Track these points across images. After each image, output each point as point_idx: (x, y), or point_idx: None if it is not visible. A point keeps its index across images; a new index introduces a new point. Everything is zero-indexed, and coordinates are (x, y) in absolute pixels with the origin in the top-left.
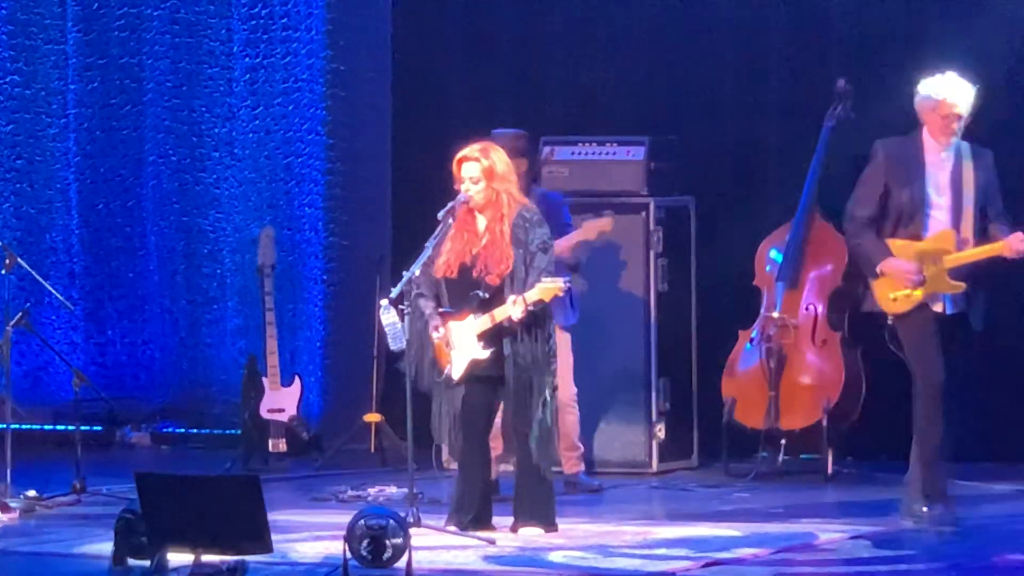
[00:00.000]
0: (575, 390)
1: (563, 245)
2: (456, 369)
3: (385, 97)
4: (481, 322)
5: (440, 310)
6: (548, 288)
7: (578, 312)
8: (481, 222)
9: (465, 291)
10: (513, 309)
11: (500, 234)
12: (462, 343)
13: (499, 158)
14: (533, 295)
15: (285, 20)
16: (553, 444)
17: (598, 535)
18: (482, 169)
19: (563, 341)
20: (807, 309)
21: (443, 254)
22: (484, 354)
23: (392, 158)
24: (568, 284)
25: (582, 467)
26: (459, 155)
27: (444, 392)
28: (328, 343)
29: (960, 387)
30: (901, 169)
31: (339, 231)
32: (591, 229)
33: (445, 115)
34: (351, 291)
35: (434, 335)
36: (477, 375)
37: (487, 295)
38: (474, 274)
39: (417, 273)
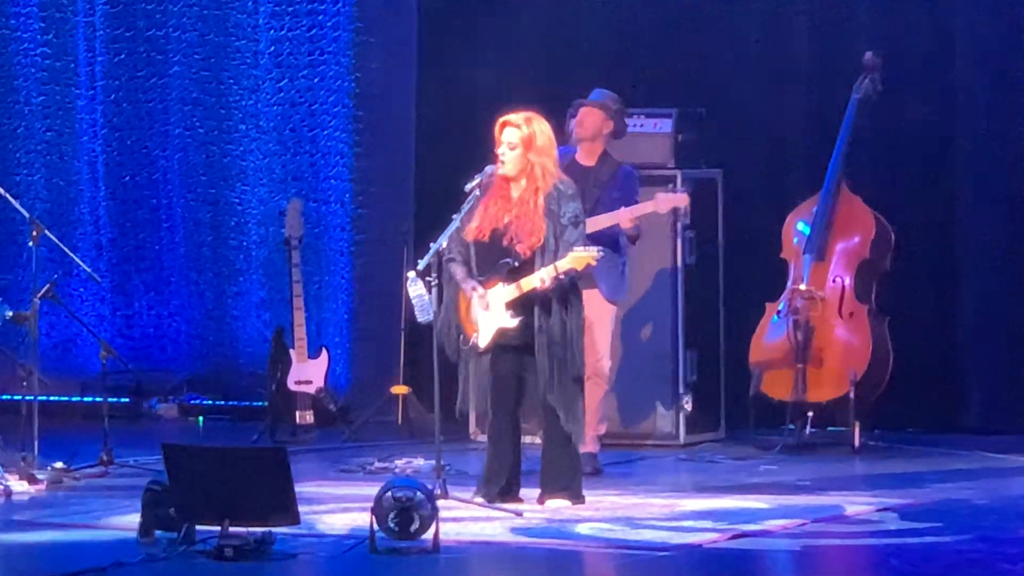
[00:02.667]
0: (609, 363)
1: (630, 215)
2: (483, 337)
3: (411, 69)
4: (509, 291)
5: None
6: (581, 257)
7: (627, 286)
8: (515, 191)
9: (495, 258)
10: (543, 277)
11: (534, 206)
12: (490, 311)
13: (540, 129)
14: (565, 263)
15: None
16: (580, 417)
17: (625, 507)
18: (521, 137)
19: (608, 312)
20: (834, 281)
21: (476, 218)
22: (512, 323)
23: (417, 131)
24: (601, 254)
25: (594, 448)
26: (503, 119)
27: (472, 361)
28: (355, 315)
29: (989, 358)
30: None
31: (366, 203)
32: (664, 202)
33: (472, 87)
34: (378, 263)
35: (473, 296)
36: (504, 344)
37: (516, 264)
38: (504, 242)
39: (444, 245)
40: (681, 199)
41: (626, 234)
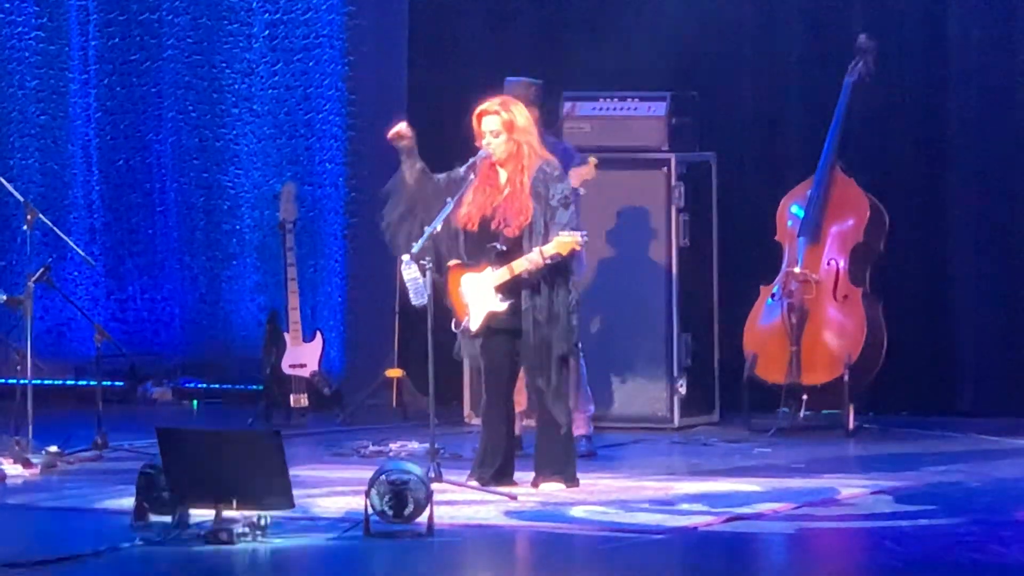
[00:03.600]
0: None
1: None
2: (474, 320)
3: (402, 52)
4: (499, 274)
5: (459, 263)
6: (565, 242)
7: (584, 266)
8: (503, 175)
9: (484, 243)
10: (530, 262)
11: (520, 186)
12: (480, 295)
13: (519, 111)
14: (550, 248)
15: None
16: (567, 400)
17: (619, 490)
18: (502, 122)
19: None
20: (829, 264)
21: (464, 205)
22: (502, 306)
23: (408, 114)
24: (586, 238)
25: (585, 430)
26: (479, 109)
27: (464, 343)
28: (348, 299)
29: (983, 341)
30: None
31: (359, 187)
32: (575, 177)
33: (465, 70)
34: (372, 247)
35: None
36: (496, 327)
37: (505, 248)
38: (493, 226)
39: (439, 229)
40: (587, 171)
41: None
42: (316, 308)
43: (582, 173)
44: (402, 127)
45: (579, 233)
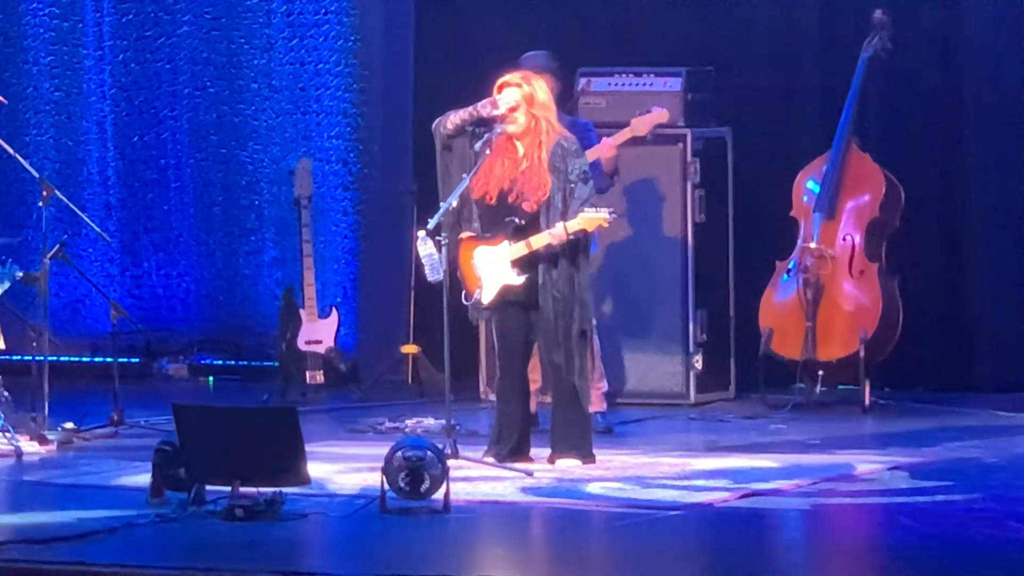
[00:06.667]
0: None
1: (608, 144)
2: (486, 293)
3: (410, 27)
4: (516, 248)
5: (472, 235)
6: (592, 218)
7: (596, 244)
8: (520, 149)
9: (501, 217)
10: (552, 237)
11: (538, 160)
12: (495, 268)
13: (540, 86)
14: (575, 224)
15: None
16: (588, 375)
17: (635, 466)
18: (523, 95)
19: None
20: (844, 240)
21: (481, 177)
22: (518, 280)
23: (415, 88)
24: (614, 215)
25: (599, 407)
26: (500, 80)
27: (474, 314)
28: (362, 275)
29: (999, 316)
30: None
31: (371, 163)
32: (641, 124)
33: (474, 48)
34: (384, 222)
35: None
36: (509, 300)
37: (523, 222)
38: (510, 200)
39: (454, 204)
40: (660, 115)
41: (604, 171)
42: (328, 284)
43: (653, 119)
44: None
45: (607, 211)
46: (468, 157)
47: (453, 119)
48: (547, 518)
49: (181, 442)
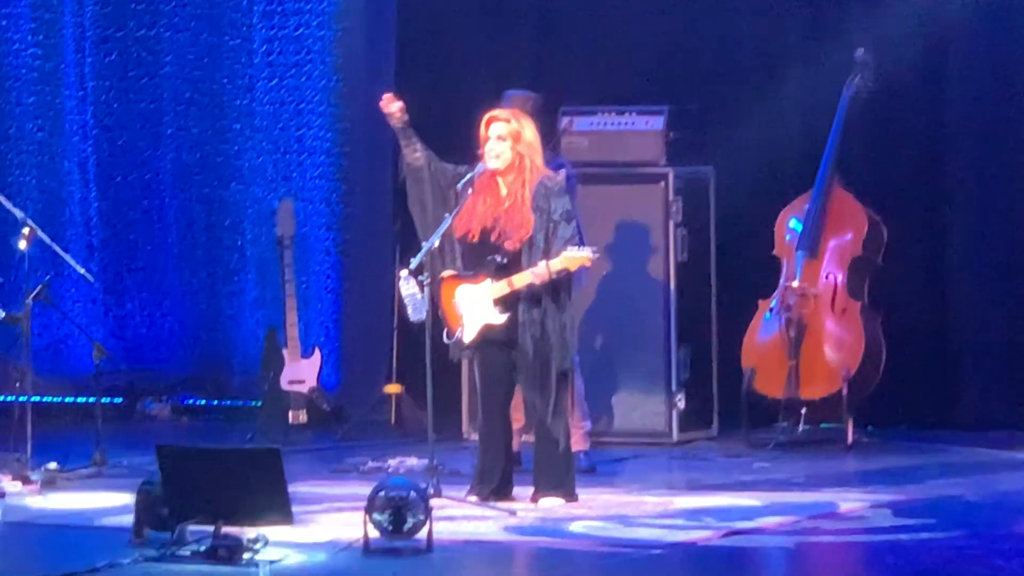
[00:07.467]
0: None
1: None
2: (468, 332)
3: (392, 69)
4: (498, 287)
5: (454, 273)
6: (575, 257)
7: (584, 281)
8: (503, 188)
9: (483, 255)
10: (535, 276)
11: (521, 199)
12: (476, 307)
13: (527, 125)
14: (557, 263)
15: None
16: (565, 415)
17: (618, 505)
18: (509, 130)
19: None
20: (827, 278)
21: (464, 216)
22: (500, 319)
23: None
24: (596, 254)
25: (583, 445)
26: (488, 115)
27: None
28: (344, 314)
29: (982, 354)
30: None
31: (353, 202)
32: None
33: (461, 88)
34: (367, 262)
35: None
36: (491, 339)
37: (505, 260)
38: (493, 238)
39: (437, 244)
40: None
41: None
42: (311, 325)
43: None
44: (388, 98)
45: (589, 249)
46: (442, 187)
47: (406, 152)
48: (530, 557)
49: (164, 482)
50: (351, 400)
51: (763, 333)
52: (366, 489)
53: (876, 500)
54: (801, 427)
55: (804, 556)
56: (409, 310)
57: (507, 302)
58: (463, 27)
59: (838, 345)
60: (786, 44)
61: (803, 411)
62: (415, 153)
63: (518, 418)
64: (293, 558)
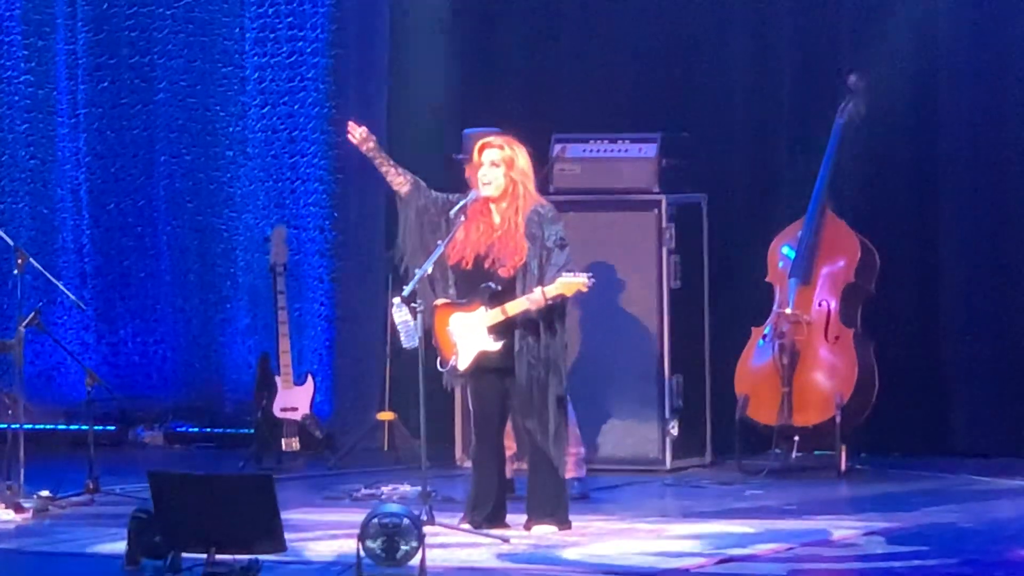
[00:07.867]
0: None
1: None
2: (462, 360)
3: (384, 97)
4: (492, 315)
5: (447, 301)
6: (571, 283)
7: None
8: (496, 215)
9: (476, 282)
10: (531, 302)
11: (514, 226)
12: (470, 334)
13: (521, 152)
14: (553, 289)
15: (291, 19)
16: (563, 442)
17: (612, 532)
18: (503, 156)
19: None
20: (820, 305)
21: (457, 243)
22: (495, 346)
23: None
24: (592, 280)
25: (576, 472)
26: (482, 141)
27: (450, 380)
28: (337, 341)
29: (975, 381)
30: None
31: (346, 229)
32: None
33: (453, 116)
34: (360, 289)
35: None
36: (486, 367)
37: (499, 287)
38: (486, 265)
39: (430, 271)
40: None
41: None
42: (302, 351)
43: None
44: (351, 126)
45: (585, 275)
46: (432, 215)
47: (390, 181)
48: None
49: (157, 509)
50: (344, 427)
51: (756, 360)
52: (359, 516)
53: (869, 527)
54: (794, 454)
55: None
56: (402, 337)
57: (501, 330)
58: (455, 55)
59: (831, 372)
60: (778, 70)
61: (796, 438)
62: (399, 178)
63: (510, 445)
64: None
